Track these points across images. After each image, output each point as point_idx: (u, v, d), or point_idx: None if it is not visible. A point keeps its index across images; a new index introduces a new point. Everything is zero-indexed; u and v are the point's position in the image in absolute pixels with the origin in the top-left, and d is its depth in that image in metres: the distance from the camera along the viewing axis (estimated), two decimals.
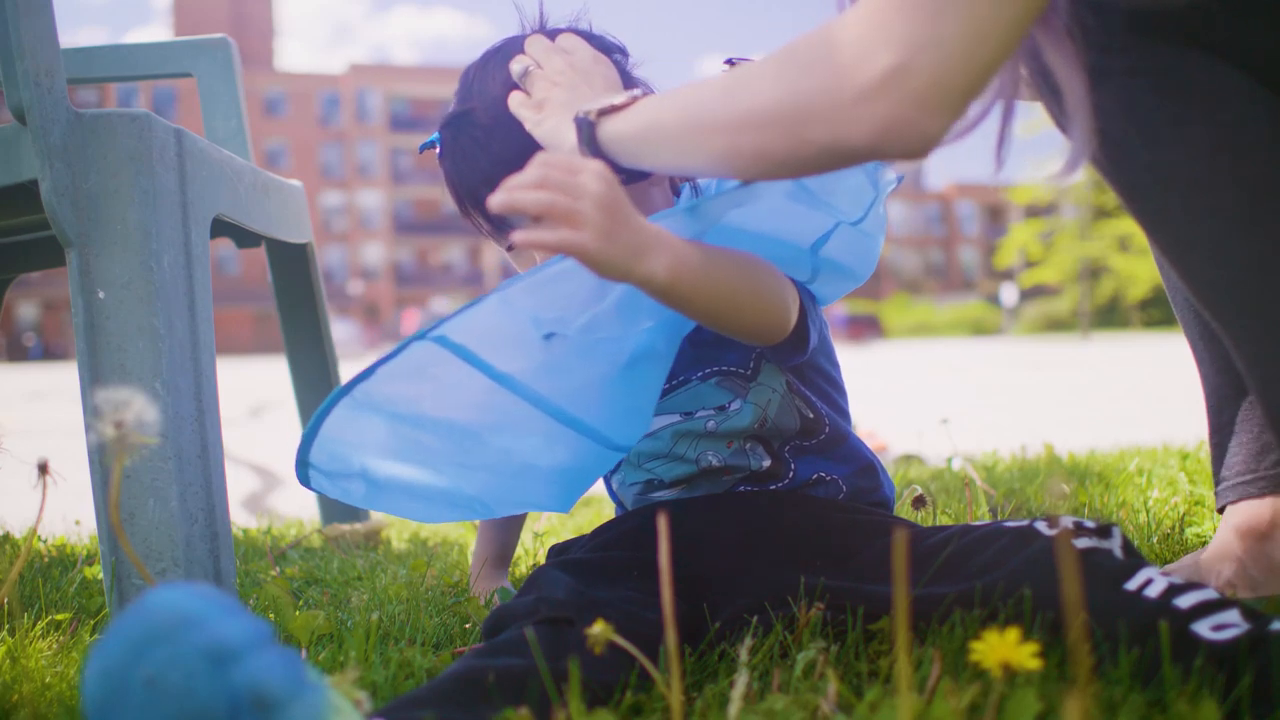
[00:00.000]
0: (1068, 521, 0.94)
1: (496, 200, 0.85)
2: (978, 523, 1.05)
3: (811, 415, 1.20)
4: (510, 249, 1.18)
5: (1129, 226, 30.10)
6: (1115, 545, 0.93)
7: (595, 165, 0.88)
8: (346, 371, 2.14)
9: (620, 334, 1.02)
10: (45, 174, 1.20)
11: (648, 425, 1.14)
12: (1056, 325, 36.69)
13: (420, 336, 0.93)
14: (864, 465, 1.23)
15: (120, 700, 0.64)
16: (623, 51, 1.20)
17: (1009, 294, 38.90)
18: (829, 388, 1.25)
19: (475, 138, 1.12)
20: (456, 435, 1.08)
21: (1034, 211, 41.91)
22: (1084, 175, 31.01)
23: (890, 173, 1.15)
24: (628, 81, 1.18)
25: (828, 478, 1.20)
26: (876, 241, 1.20)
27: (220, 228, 1.58)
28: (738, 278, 0.99)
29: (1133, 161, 0.92)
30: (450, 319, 0.93)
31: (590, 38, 1.19)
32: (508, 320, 0.96)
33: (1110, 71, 0.90)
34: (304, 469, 1.06)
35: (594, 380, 1.06)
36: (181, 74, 1.96)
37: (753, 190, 1.00)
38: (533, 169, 0.86)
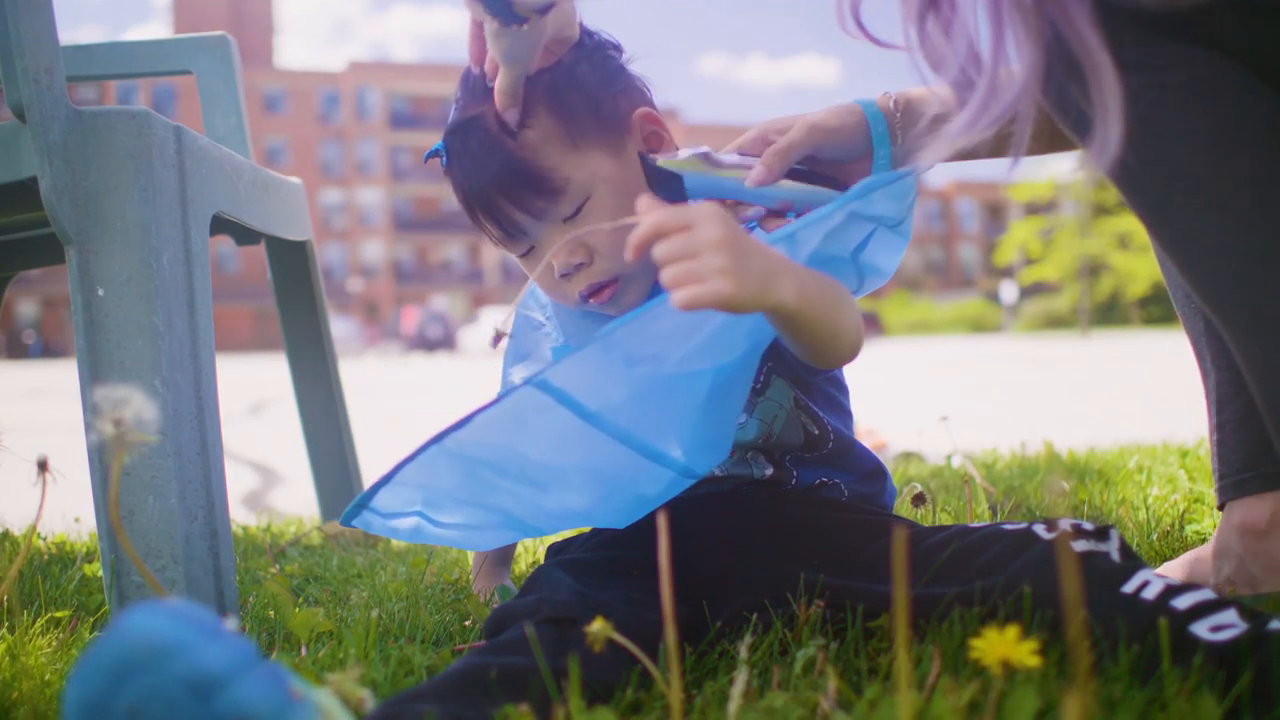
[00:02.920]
0: (1066, 524, 0.94)
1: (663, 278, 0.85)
2: (976, 524, 1.05)
3: (817, 431, 1.20)
4: (522, 256, 1.17)
5: (1128, 224, 30.08)
6: (1112, 548, 0.93)
7: (707, 209, 0.87)
8: (346, 369, 2.14)
9: (711, 366, 1.01)
10: (45, 171, 1.20)
11: (726, 453, 1.13)
12: (1056, 323, 36.65)
13: (526, 383, 0.93)
14: (867, 472, 1.23)
15: None
16: (617, 48, 1.20)
17: (1008, 291, 38.86)
18: (833, 390, 1.25)
19: (484, 142, 1.12)
20: (538, 476, 1.07)
21: (1034, 209, 41.87)
22: (1084, 172, 31.00)
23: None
24: (623, 77, 1.18)
25: (830, 482, 1.20)
26: (905, 239, 1.21)
27: (220, 225, 1.58)
28: (837, 302, 0.99)
29: (1134, 156, 0.92)
30: (554, 365, 0.93)
31: (585, 34, 1.18)
32: (602, 360, 0.95)
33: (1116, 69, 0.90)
34: (359, 510, 1.05)
35: (678, 413, 1.05)
36: (181, 71, 1.95)
37: (838, 212, 1.01)
38: (657, 249, 0.85)
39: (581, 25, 1.18)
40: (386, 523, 1.10)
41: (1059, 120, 0.96)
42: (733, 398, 1.09)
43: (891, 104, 1.16)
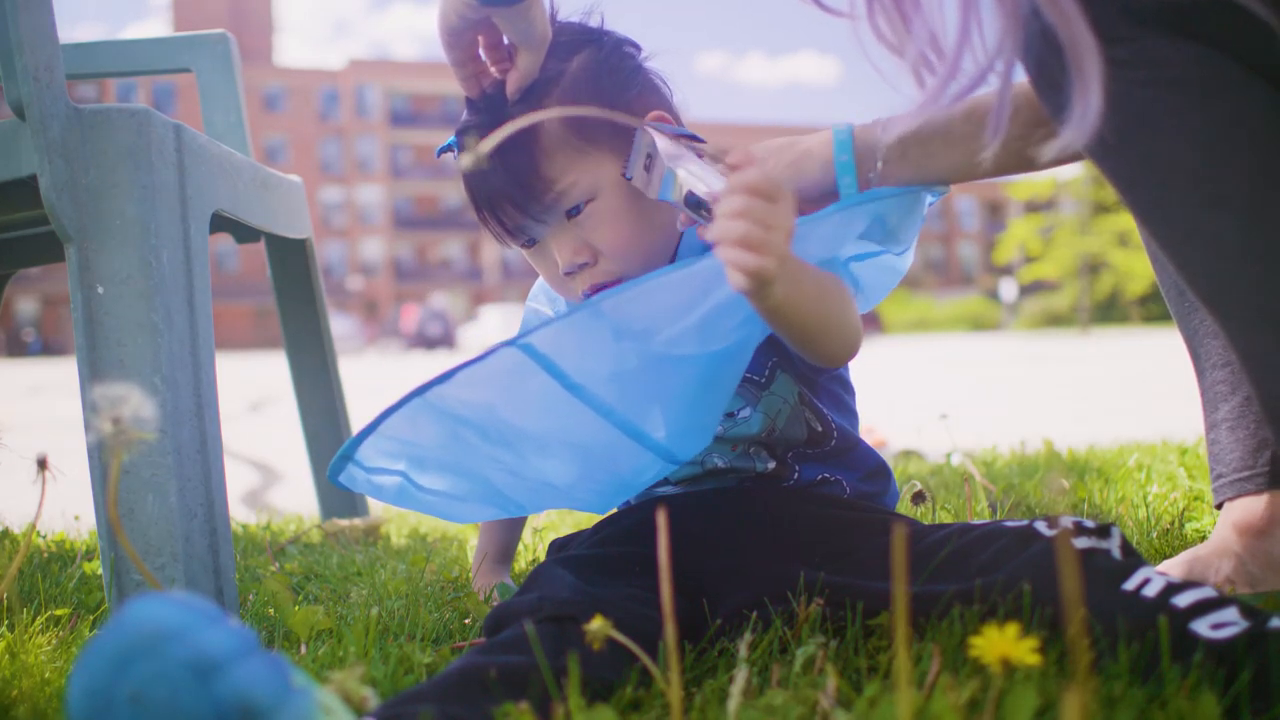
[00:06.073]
0: (1067, 522, 0.94)
1: (711, 235, 0.86)
2: (977, 521, 1.05)
3: (820, 428, 1.20)
4: (526, 248, 1.17)
5: (1128, 222, 30.02)
6: (1114, 545, 0.93)
7: (791, 196, 0.88)
8: (346, 367, 2.14)
9: (697, 351, 1.02)
10: (44, 169, 1.20)
11: (708, 441, 1.14)
12: (1056, 321, 36.60)
13: (509, 343, 0.94)
14: (870, 471, 1.23)
15: (106, 718, 0.64)
16: (635, 46, 1.20)
17: (1008, 289, 38.83)
18: (839, 389, 1.25)
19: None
20: (518, 442, 1.08)
21: (1033, 207, 41.83)
22: (1083, 171, 30.93)
23: (929, 195, 1.14)
24: (640, 78, 1.18)
25: (831, 479, 1.20)
26: (899, 273, 1.21)
27: (220, 223, 1.57)
28: (832, 301, 1.00)
29: (1130, 153, 0.92)
30: (539, 329, 0.94)
31: (603, 33, 1.18)
32: (590, 331, 0.96)
33: (1105, 62, 0.89)
34: (343, 463, 1.06)
35: (663, 395, 1.06)
36: (181, 69, 1.95)
37: (844, 216, 1.02)
38: (738, 199, 0.86)
39: (599, 25, 1.18)
40: (370, 479, 1.10)
41: (1039, 96, 0.95)
42: (720, 386, 1.09)
43: (880, 130, 1.12)
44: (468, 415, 1.02)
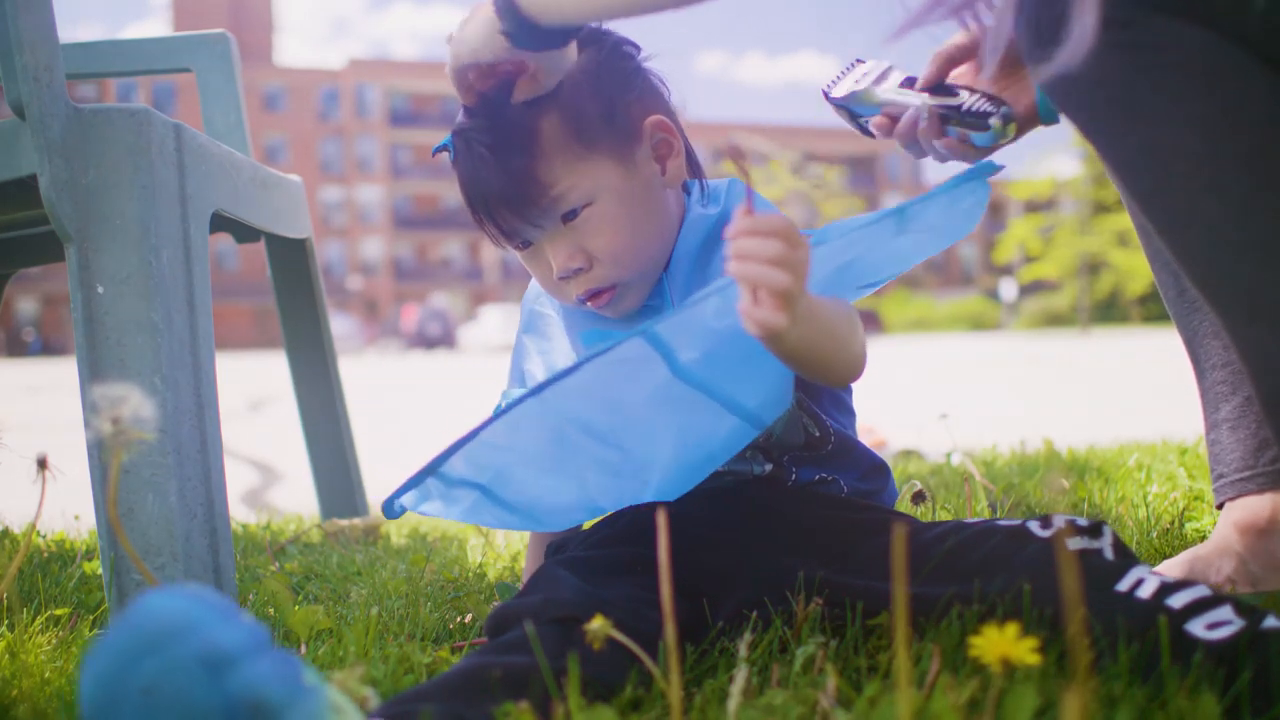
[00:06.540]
0: (1061, 521, 0.94)
1: (734, 270, 0.85)
2: (971, 520, 1.05)
3: (818, 433, 1.20)
4: (521, 250, 1.17)
5: (1128, 222, 29.91)
6: (1106, 544, 0.93)
7: (807, 244, 0.88)
8: (346, 367, 2.14)
9: None
10: (44, 169, 1.20)
11: (789, 403, 1.12)
12: (1056, 320, 36.56)
13: (638, 333, 0.93)
14: (868, 469, 1.23)
15: (117, 710, 0.64)
16: (635, 46, 1.20)
17: (1008, 289, 38.82)
18: (839, 389, 1.25)
19: (489, 148, 1.11)
20: (624, 435, 1.06)
21: (1033, 206, 41.82)
22: (1083, 170, 30.89)
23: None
24: (640, 79, 1.17)
25: (829, 479, 1.20)
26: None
27: (219, 223, 1.58)
28: (842, 333, 0.99)
29: (1130, 138, 0.91)
30: (661, 320, 0.93)
31: (603, 33, 1.18)
32: (696, 316, 0.95)
33: (1109, 45, 0.89)
34: (425, 475, 1.03)
35: (751, 364, 1.04)
36: (181, 69, 1.95)
37: (880, 230, 1.04)
38: (773, 245, 0.85)
39: (599, 25, 1.18)
40: (449, 491, 1.07)
41: (1029, 27, 0.94)
42: None
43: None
44: (579, 411, 1.01)
